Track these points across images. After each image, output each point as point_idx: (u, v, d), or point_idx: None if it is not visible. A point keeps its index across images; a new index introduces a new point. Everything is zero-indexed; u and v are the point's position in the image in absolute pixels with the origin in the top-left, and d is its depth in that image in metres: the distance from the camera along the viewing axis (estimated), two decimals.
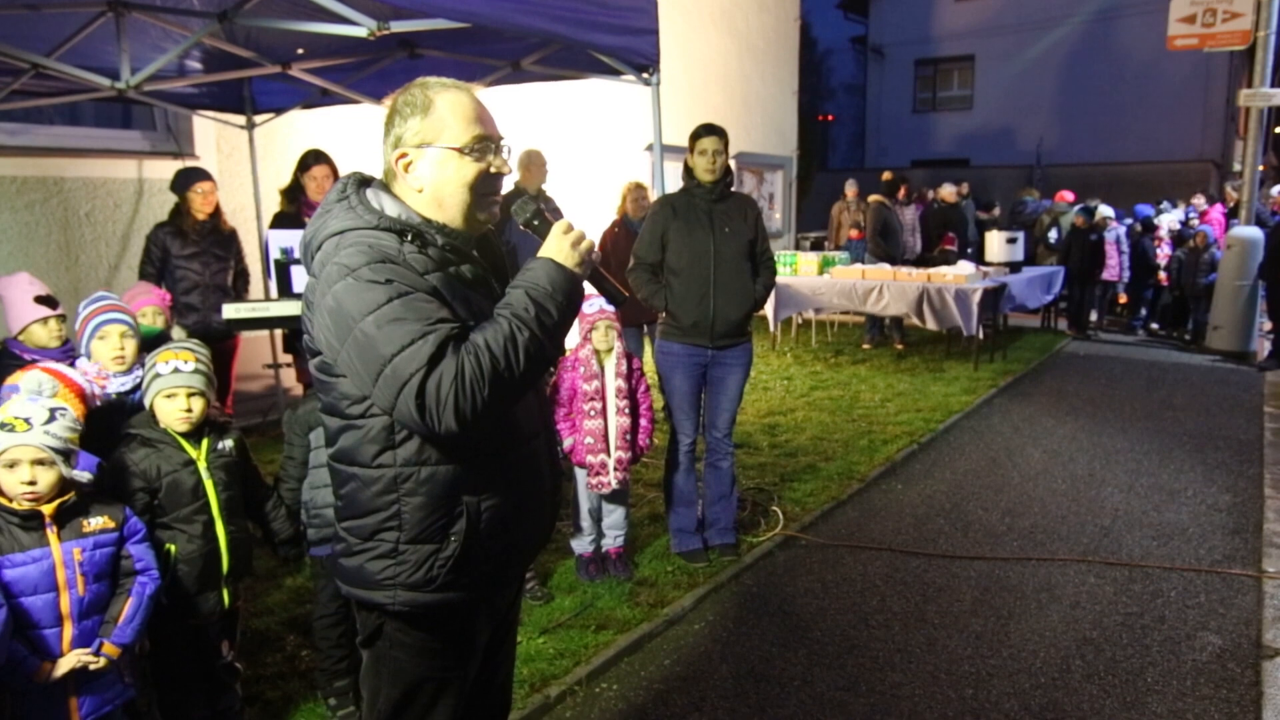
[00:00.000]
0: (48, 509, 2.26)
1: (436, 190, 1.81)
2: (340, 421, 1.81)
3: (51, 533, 2.26)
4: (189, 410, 2.65)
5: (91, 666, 2.28)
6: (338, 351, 1.69)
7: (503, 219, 2.09)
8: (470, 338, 1.65)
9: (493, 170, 1.83)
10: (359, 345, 1.64)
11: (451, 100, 1.80)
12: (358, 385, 1.71)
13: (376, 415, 1.74)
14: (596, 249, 1.84)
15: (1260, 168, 11.34)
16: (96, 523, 2.34)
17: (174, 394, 2.64)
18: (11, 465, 2.21)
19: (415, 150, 1.80)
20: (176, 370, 2.64)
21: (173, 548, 2.63)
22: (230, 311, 5.06)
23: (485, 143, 1.81)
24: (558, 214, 6.62)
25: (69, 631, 2.27)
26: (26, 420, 2.22)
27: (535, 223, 1.89)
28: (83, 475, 2.37)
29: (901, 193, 11.02)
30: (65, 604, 2.26)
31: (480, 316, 1.74)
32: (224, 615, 2.81)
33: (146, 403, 2.67)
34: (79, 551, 2.29)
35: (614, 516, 4.30)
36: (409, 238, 1.74)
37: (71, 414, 2.34)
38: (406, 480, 1.76)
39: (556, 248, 1.79)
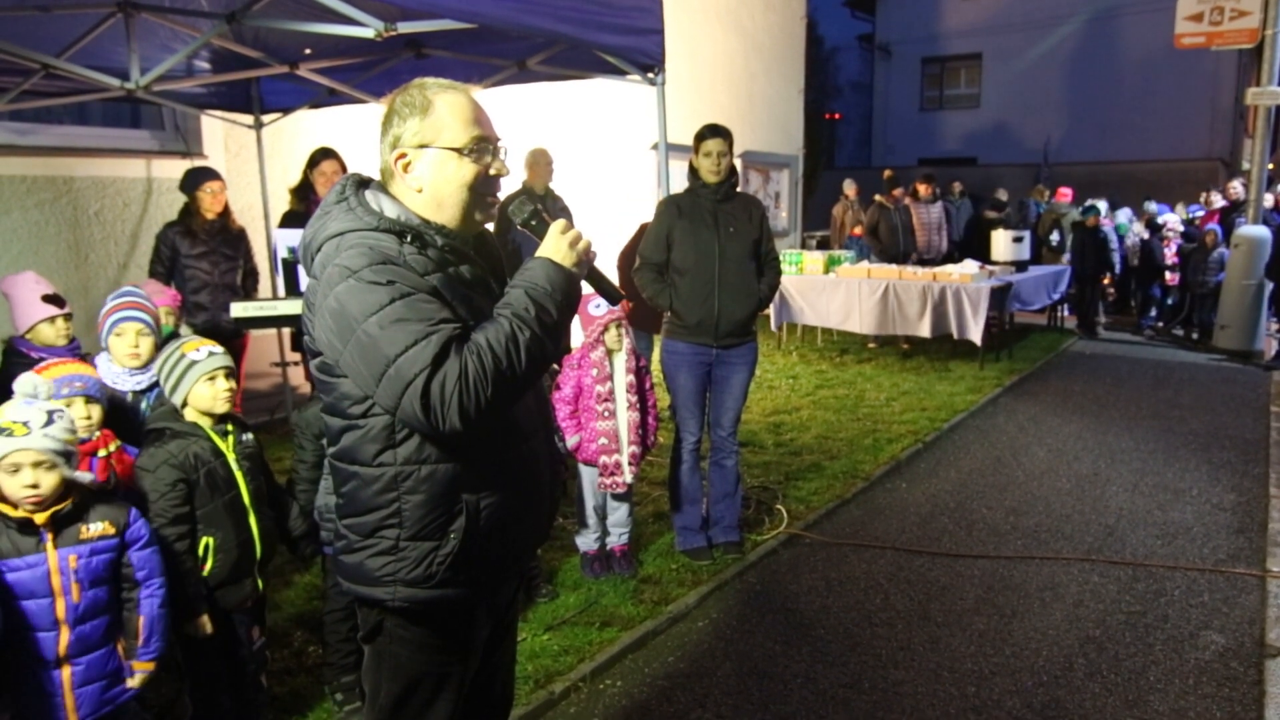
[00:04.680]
0: (41, 517, 2.23)
1: (435, 191, 1.82)
2: (342, 421, 1.82)
3: (48, 539, 2.25)
4: (230, 389, 2.73)
5: (131, 685, 2.38)
6: (340, 352, 1.71)
7: (506, 220, 2.10)
8: (472, 338, 1.67)
9: (491, 171, 1.85)
10: (361, 346, 1.66)
11: (450, 101, 1.81)
12: (360, 386, 1.72)
13: (377, 415, 1.76)
14: (593, 249, 1.85)
15: (1270, 166, 11.29)
16: (95, 529, 2.32)
17: (215, 375, 2.70)
18: (14, 470, 2.19)
19: (414, 151, 1.81)
20: (211, 353, 2.71)
21: (211, 540, 2.67)
22: (238, 310, 5.10)
23: (484, 144, 1.82)
24: (566, 213, 6.66)
25: (65, 637, 2.27)
26: (25, 423, 2.20)
27: (533, 223, 1.91)
28: (84, 476, 2.36)
29: (926, 190, 10.94)
30: (60, 610, 2.26)
31: (480, 316, 1.75)
32: (256, 602, 2.88)
33: (184, 392, 2.68)
34: (74, 559, 2.27)
35: (619, 514, 4.33)
36: (409, 239, 1.75)
37: (69, 415, 2.32)
38: (407, 479, 1.78)
39: (554, 247, 1.81)
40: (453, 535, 1.80)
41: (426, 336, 1.62)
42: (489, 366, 1.63)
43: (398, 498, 1.79)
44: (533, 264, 1.79)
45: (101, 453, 2.70)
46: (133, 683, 2.41)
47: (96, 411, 2.70)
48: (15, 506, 2.23)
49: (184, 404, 2.70)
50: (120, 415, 2.96)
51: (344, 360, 1.71)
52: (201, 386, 2.68)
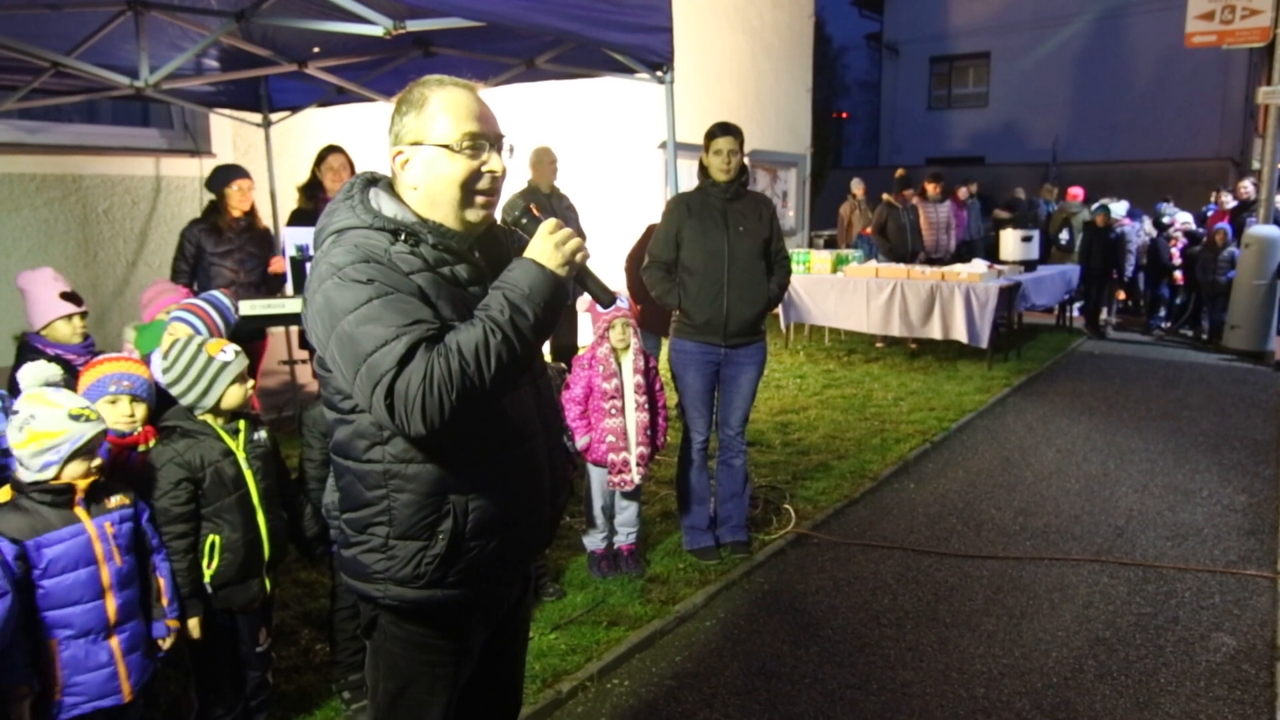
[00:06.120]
0: (82, 484, 2.32)
1: (429, 188, 1.79)
2: (336, 415, 1.84)
3: (81, 509, 2.33)
4: (252, 386, 2.80)
5: (166, 645, 2.55)
6: (325, 347, 1.72)
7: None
8: (444, 339, 1.64)
9: (485, 169, 1.80)
10: (341, 343, 1.66)
11: (446, 97, 1.78)
12: (342, 381, 1.73)
13: (365, 410, 1.74)
14: (584, 249, 1.80)
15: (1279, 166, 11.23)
16: (116, 499, 2.44)
17: (243, 375, 2.76)
18: (89, 451, 2.31)
19: (410, 148, 1.79)
20: (237, 353, 2.76)
21: (217, 538, 2.68)
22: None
23: (478, 140, 1.78)
24: (571, 212, 6.65)
25: (112, 603, 2.35)
26: (92, 408, 2.35)
27: (524, 220, 1.86)
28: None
29: (934, 189, 10.87)
30: (106, 576, 2.34)
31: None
32: (264, 602, 2.89)
33: (218, 393, 2.71)
34: (110, 525, 2.38)
35: (627, 513, 4.32)
36: (401, 237, 1.74)
37: None
38: (395, 476, 1.77)
39: (539, 248, 1.75)
40: (441, 536, 1.79)
41: (397, 337, 1.61)
42: (455, 369, 1.60)
43: (387, 495, 1.79)
44: (515, 265, 1.75)
45: (141, 447, 2.75)
46: (166, 643, 2.54)
47: (141, 410, 2.74)
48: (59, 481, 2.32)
49: (216, 405, 2.72)
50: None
51: (328, 356, 1.72)
52: (235, 388, 2.73)
